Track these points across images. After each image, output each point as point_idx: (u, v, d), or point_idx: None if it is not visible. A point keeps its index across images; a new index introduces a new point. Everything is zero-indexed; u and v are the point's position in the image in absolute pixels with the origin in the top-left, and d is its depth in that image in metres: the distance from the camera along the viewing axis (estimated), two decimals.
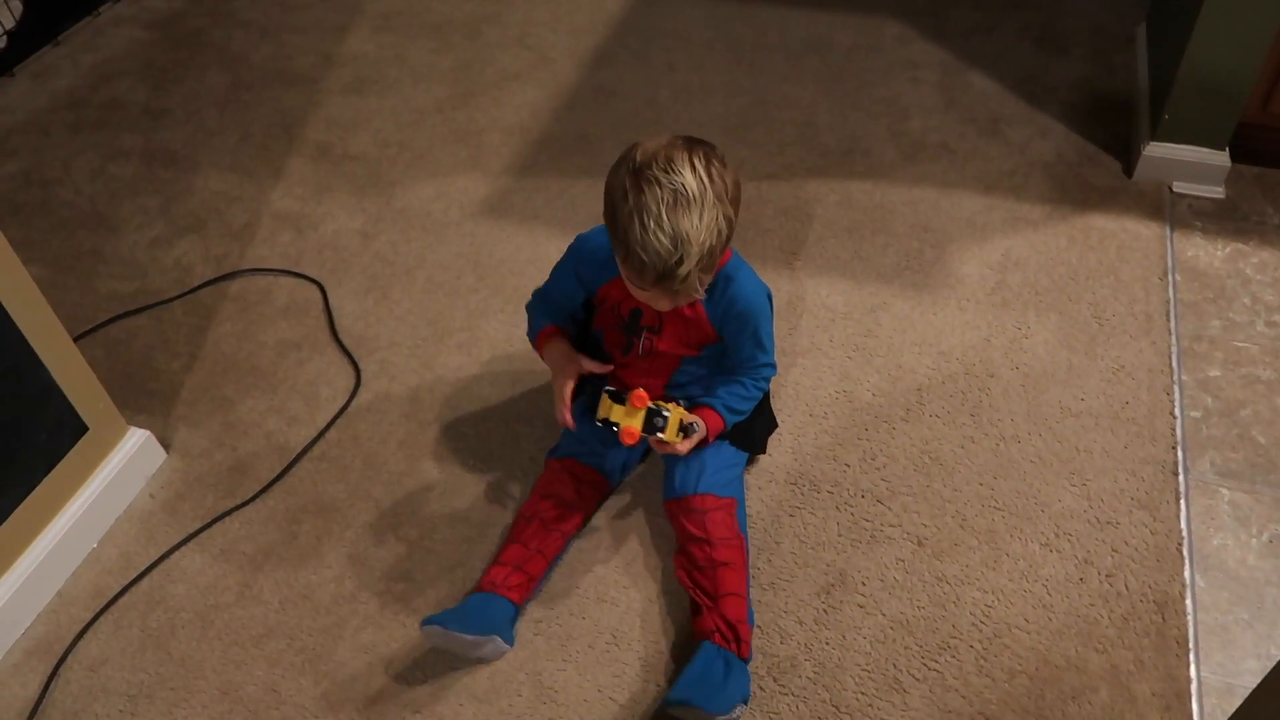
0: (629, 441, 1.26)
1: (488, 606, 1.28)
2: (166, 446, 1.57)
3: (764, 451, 1.49)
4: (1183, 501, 1.45)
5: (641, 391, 1.26)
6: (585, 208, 1.96)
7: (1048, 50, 2.34)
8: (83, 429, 1.42)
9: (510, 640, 1.30)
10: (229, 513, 1.48)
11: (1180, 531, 1.41)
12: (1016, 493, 1.46)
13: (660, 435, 1.27)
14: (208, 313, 1.80)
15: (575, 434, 1.40)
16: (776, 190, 2.00)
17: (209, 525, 1.46)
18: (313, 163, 2.13)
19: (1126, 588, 1.35)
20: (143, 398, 1.65)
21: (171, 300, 1.83)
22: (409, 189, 2.05)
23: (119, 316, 1.80)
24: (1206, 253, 1.84)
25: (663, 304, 1.22)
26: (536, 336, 1.40)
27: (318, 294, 1.83)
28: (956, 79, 2.26)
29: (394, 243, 1.93)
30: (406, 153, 2.15)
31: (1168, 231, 1.88)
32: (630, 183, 1.12)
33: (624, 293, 1.29)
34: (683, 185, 1.09)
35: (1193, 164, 1.94)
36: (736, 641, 1.24)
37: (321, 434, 1.58)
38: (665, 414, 1.27)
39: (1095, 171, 2.02)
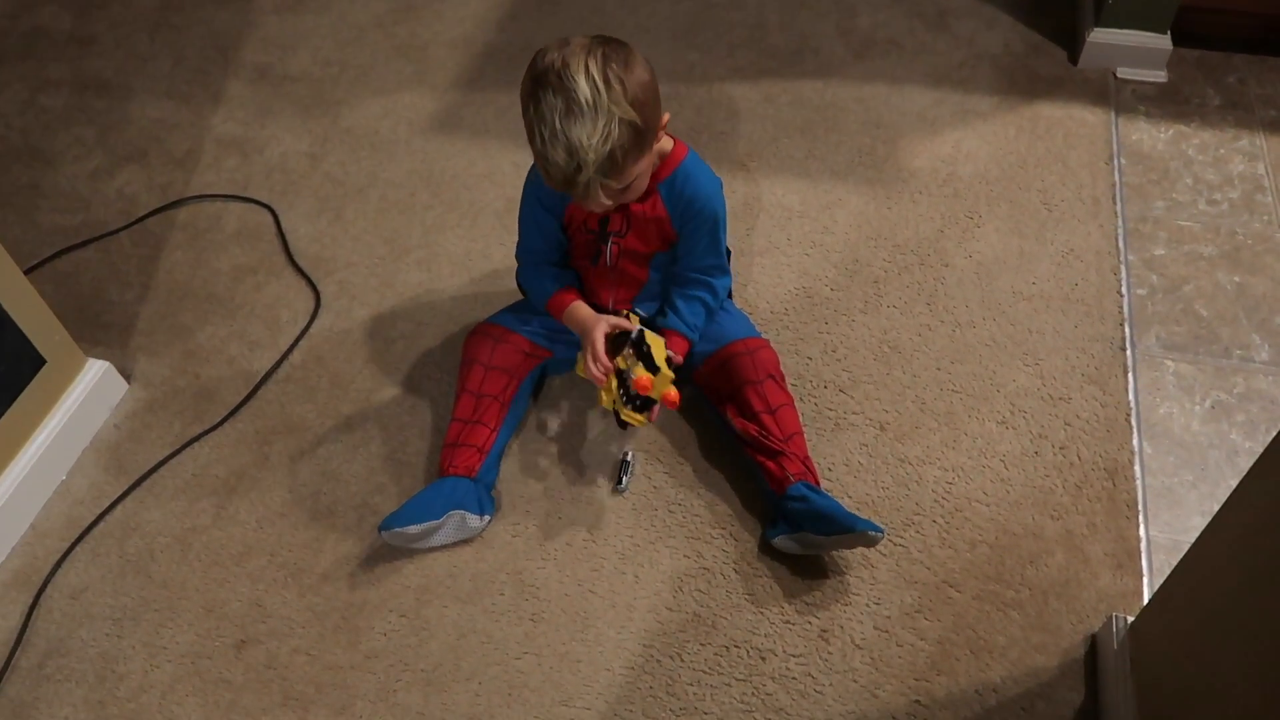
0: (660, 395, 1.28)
1: (435, 491, 1.30)
2: (127, 377, 1.55)
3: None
4: (1130, 375, 1.50)
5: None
6: None
7: None
8: (40, 362, 1.40)
9: (479, 510, 1.32)
10: (198, 438, 1.47)
11: (1128, 403, 1.47)
12: (973, 375, 1.51)
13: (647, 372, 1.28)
14: (157, 242, 1.77)
15: (513, 313, 1.45)
16: (728, 93, 1.99)
17: (179, 451, 1.46)
18: (252, 85, 2.07)
19: (1079, 458, 1.41)
20: (98, 330, 1.63)
21: (118, 231, 1.78)
22: (354, 108, 2.01)
23: (65, 250, 1.75)
24: (1150, 136, 1.88)
25: (596, 208, 1.22)
26: (547, 305, 1.38)
27: (269, 218, 1.80)
28: None
29: (343, 163, 1.89)
30: (349, 71, 2.09)
31: (1113, 117, 1.91)
32: (529, 90, 1.12)
33: (587, 210, 1.30)
34: (574, 92, 1.08)
35: (1136, 49, 1.96)
36: (816, 480, 1.32)
37: (285, 355, 1.57)
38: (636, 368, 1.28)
39: (1041, 61, 2.03)
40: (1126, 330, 1.56)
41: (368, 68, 2.10)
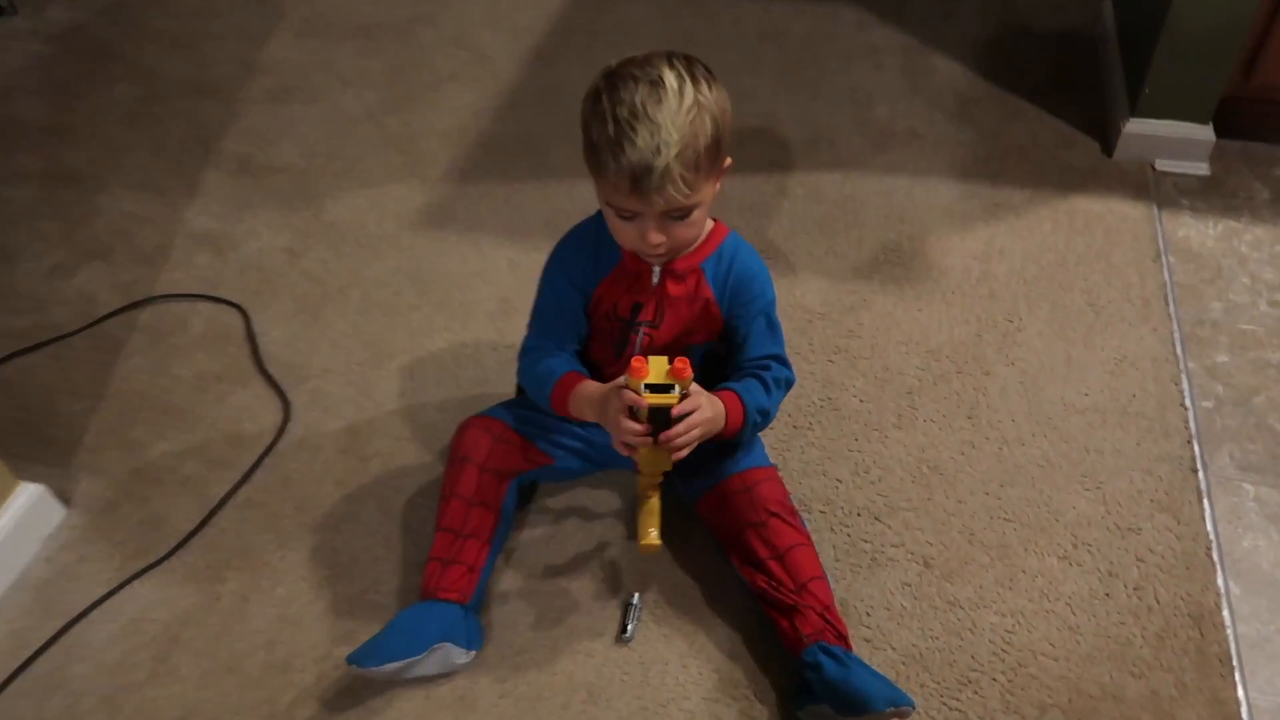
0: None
1: (421, 618, 1.13)
2: (66, 501, 1.37)
3: None
4: (1206, 501, 1.32)
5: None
6: (534, 213, 1.80)
7: (1012, 30, 2.23)
8: None
9: (467, 643, 1.14)
10: (140, 574, 1.28)
11: (1207, 534, 1.28)
12: (1026, 501, 1.33)
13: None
14: (115, 346, 1.61)
15: (512, 408, 1.28)
16: (740, 187, 1.85)
17: (116, 591, 1.27)
18: (232, 177, 1.94)
19: (1157, 600, 1.21)
20: (39, 447, 1.45)
21: (73, 334, 1.62)
22: (339, 201, 1.87)
23: (12, 355, 1.59)
24: (1198, 232, 1.74)
25: (653, 235, 1.04)
26: (553, 388, 1.16)
27: (240, 319, 1.64)
28: (920, 62, 2.15)
29: (324, 260, 1.75)
30: (336, 162, 1.97)
31: (1155, 211, 1.77)
32: (605, 84, 1.02)
33: (621, 290, 1.16)
34: (659, 80, 0.99)
35: (1176, 140, 1.83)
36: (841, 638, 1.12)
37: (246, 476, 1.39)
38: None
39: (1073, 152, 1.91)
40: (1195, 448, 1.38)
41: (356, 159, 1.97)
